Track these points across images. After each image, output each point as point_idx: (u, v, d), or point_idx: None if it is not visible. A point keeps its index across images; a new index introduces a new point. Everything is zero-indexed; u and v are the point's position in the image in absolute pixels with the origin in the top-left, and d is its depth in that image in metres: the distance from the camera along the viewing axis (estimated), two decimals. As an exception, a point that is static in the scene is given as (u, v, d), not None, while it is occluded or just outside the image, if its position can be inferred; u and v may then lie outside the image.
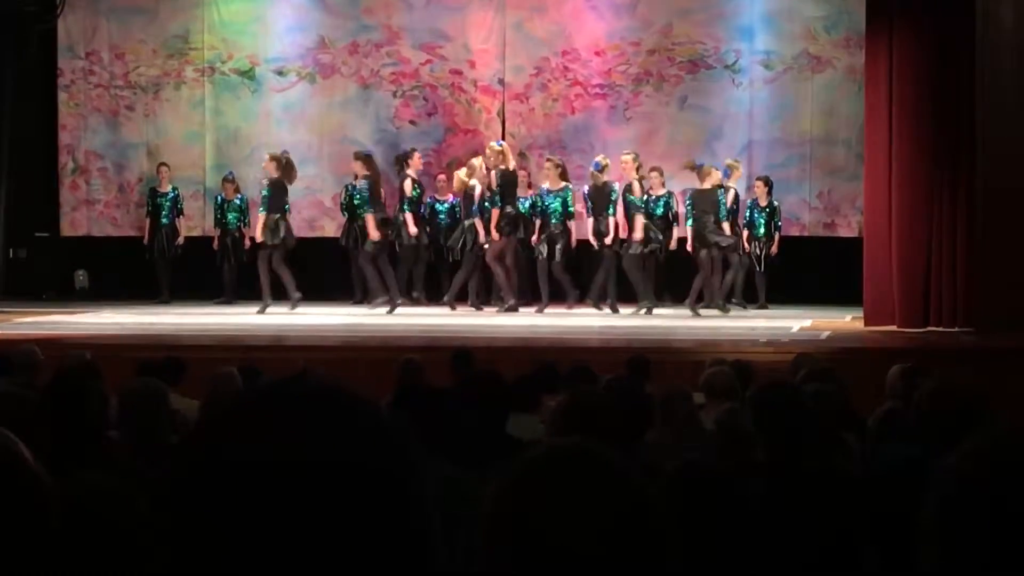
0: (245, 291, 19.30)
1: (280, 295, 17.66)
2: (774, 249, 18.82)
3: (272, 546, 1.36)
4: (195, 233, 20.21)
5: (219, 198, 19.77)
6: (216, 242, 19.58)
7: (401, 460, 1.42)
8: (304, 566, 1.36)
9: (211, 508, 1.38)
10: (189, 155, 20.32)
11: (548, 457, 1.87)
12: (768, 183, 19.02)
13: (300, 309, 17.52)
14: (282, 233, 17.67)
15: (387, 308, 17.54)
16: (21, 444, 1.93)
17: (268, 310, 17.61)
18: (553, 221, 17.87)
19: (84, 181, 20.88)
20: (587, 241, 17.83)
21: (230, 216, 19.58)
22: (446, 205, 19.29)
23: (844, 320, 16.81)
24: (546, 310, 17.83)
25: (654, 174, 18.71)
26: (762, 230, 18.86)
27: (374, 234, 17.66)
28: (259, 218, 17.75)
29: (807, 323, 16.51)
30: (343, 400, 1.44)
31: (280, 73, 20.74)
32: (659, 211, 18.58)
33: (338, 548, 1.37)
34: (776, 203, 19.05)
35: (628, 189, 17.68)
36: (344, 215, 19.51)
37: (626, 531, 1.78)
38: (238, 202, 19.60)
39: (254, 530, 1.36)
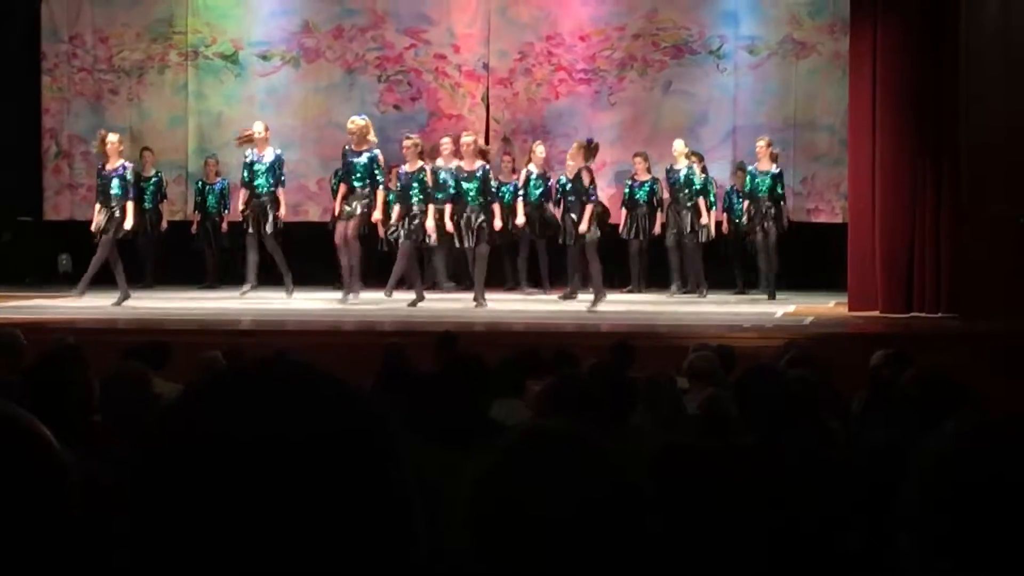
0: (228, 276, 19.28)
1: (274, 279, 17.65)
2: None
3: (247, 519, 1.36)
4: (178, 218, 20.16)
5: (200, 183, 19.74)
6: (196, 226, 19.53)
7: (380, 434, 1.43)
8: (280, 540, 1.37)
9: (185, 480, 1.38)
10: (172, 139, 20.29)
11: (530, 437, 1.87)
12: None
13: (278, 294, 17.48)
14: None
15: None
16: (41, 424, 1.94)
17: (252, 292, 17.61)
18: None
19: (67, 165, 20.83)
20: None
21: (210, 200, 19.54)
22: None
23: (828, 306, 16.84)
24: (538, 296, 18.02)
25: (638, 159, 18.77)
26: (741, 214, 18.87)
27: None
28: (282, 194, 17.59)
29: (791, 308, 16.55)
30: (320, 376, 1.44)
31: (264, 57, 20.70)
32: (643, 197, 18.64)
33: (315, 521, 1.37)
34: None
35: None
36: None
37: (608, 511, 1.79)
38: (219, 186, 19.55)
39: (229, 502, 1.37)
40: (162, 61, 20.76)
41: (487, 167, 16.88)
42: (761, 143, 18.25)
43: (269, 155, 17.40)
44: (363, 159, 16.68)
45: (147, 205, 19.76)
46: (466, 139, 16.87)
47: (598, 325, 14.95)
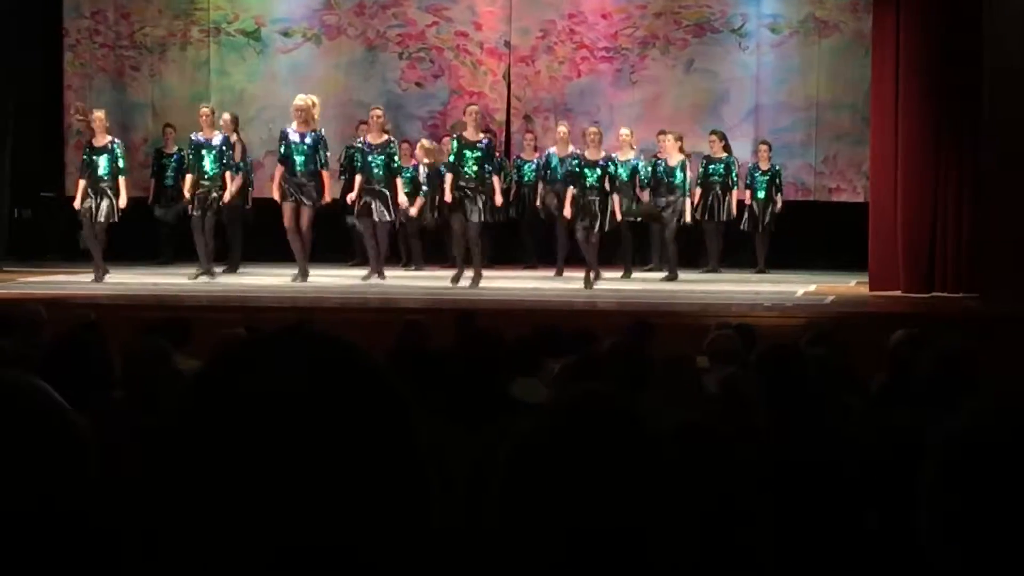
0: (248, 253, 19.30)
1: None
2: (778, 207, 18.75)
3: (269, 482, 1.38)
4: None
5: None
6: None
7: (393, 402, 1.44)
8: (300, 501, 1.38)
9: (213, 440, 1.40)
10: (194, 116, 20.18)
11: (565, 407, 1.86)
12: (770, 147, 19.03)
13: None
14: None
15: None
16: (57, 395, 1.96)
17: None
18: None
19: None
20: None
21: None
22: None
23: (849, 285, 16.82)
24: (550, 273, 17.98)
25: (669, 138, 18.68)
26: (762, 194, 18.82)
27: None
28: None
29: (811, 288, 16.52)
30: (340, 344, 1.47)
31: (286, 34, 20.69)
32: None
33: (333, 484, 1.39)
34: (777, 167, 19.02)
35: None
36: (342, 178, 19.35)
37: (644, 483, 1.78)
38: (241, 164, 19.49)
39: (252, 465, 1.39)
40: (184, 38, 20.76)
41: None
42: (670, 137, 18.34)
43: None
44: (308, 140, 16.60)
45: (169, 182, 19.77)
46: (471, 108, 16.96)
47: (618, 304, 14.95)
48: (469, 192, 16.22)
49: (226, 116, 17.96)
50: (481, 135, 16.52)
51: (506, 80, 20.34)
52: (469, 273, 16.33)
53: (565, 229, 17.23)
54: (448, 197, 16.38)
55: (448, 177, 16.40)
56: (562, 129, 18.44)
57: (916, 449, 2.22)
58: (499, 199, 16.62)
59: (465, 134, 16.47)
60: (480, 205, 16.23)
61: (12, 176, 19.73)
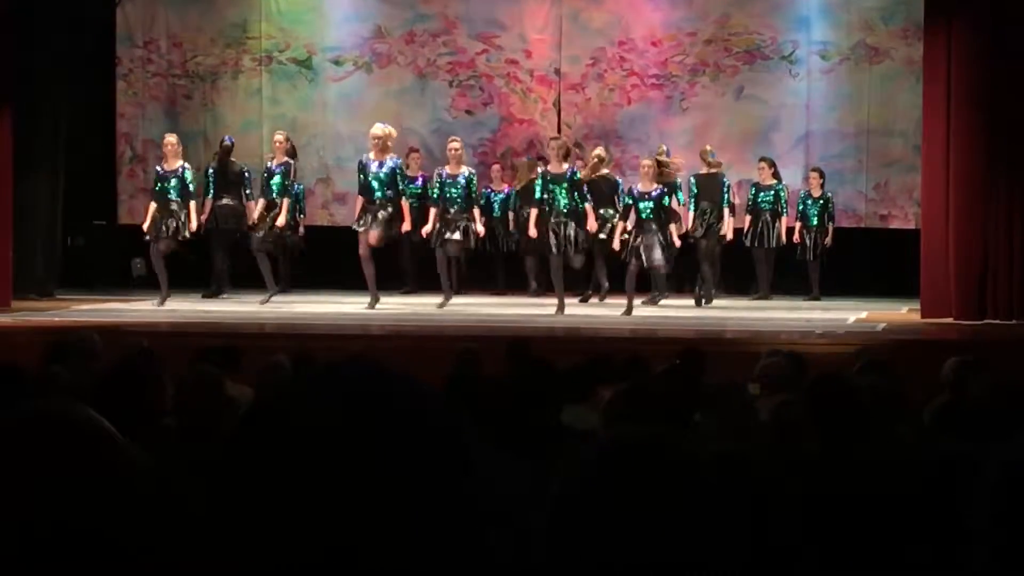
0: (300, 280, 19.36)
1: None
2: (828, 241, 18.71)
3: (323, 511, 1.39)
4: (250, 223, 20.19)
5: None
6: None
7: (451, 430, 1.45)
8: (359, 533, 1.39)
9: (267, 472, 1.42)
10: (246, 144, 20.32)
11: (613, 448, 1.85)
12: (822, 174, 18.98)
13: (353, 299, 17.49)
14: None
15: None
16: (109, 424, 1.98)
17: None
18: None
19: (142, 169, 20.92)
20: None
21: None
22: (501, 196, 19.25)
23: (900, 312, 16.74)
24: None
25: (763, 165, 18.75)
26: (815, 221, 18.77)
27: None
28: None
29: (863, 315, 16.45)
30: (394, 376, 1.47)
31: (337, 62, 20.78)
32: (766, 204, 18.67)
33: (388, 514, 1.40)
34: (829, 194, 18.96)
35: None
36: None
37: (691, 523, 1.78)
38: (294, 191, 19.55)
39: (306, 496, 1.40)
40: (236, 66, 20.87)
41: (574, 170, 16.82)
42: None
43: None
44: (385, 168, 16.70)
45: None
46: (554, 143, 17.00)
47: (669, 331, 14.92)
48: (559, 226, 16.28)
49: (277, 137, 18.20)
50: (565, 165, 16.54)
51: (556, 108, 20.37)
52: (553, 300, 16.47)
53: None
54: (533, 233, 16.51)
55: (533, 213, 16.58)
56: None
57: (970, 479, 2.21)
58: (592, 225, 16.55)
59: (550, 167, 16.60)
60: (568, 236, 16.27)
61: (65, 204, 19.86)
